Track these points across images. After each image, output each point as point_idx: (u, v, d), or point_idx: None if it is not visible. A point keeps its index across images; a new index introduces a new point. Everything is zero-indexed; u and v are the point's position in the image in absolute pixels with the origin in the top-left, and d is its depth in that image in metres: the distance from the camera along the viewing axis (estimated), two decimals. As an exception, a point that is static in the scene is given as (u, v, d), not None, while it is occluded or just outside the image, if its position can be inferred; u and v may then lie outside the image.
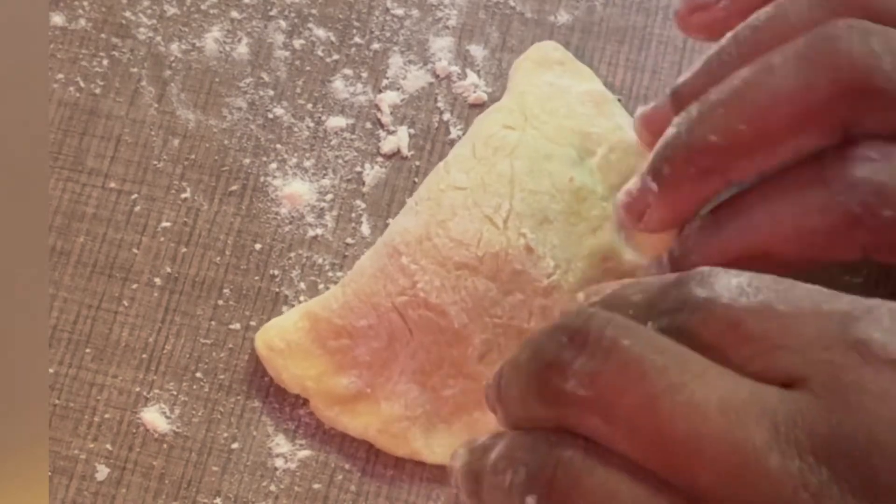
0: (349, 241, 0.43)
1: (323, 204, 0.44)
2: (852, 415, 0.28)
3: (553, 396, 0.31)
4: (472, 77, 0.45)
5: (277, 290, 0.43)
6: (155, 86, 0.46)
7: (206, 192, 0.44)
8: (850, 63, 0.34)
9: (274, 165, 0.44)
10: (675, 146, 0.37)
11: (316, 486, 0.40)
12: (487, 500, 0.33)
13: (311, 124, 0.45)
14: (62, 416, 0.41)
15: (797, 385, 0.29)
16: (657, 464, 0.29)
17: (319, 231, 0.43)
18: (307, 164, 0.44)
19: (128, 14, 0.47)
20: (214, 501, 0.40)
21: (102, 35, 0.47)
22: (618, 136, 0.42)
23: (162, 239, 0.44)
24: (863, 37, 0.34)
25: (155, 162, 0.45)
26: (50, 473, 0.41)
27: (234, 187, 0.44)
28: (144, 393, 0.42)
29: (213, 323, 0.42)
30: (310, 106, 0.45)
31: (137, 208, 0.44)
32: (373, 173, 0.44)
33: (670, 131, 0.37)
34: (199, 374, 0.42)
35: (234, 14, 0.47)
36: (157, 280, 0.43)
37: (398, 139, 0.44)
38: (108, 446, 0.41)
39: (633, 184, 0.39)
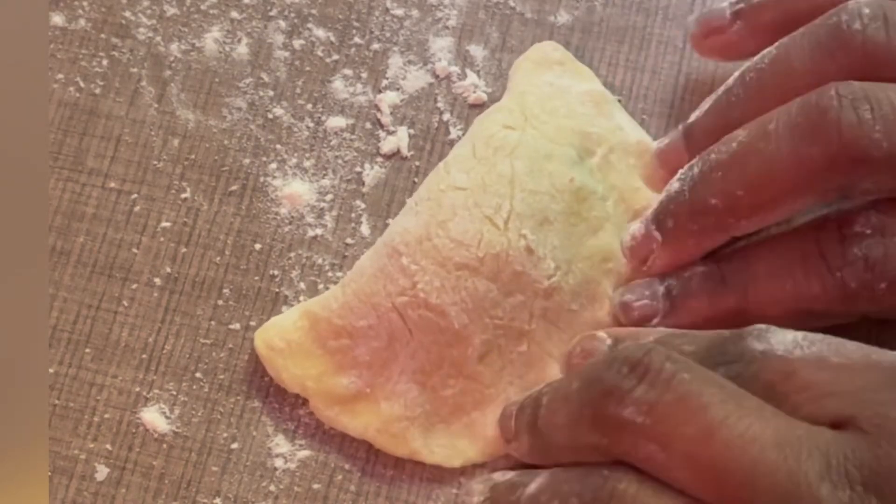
0: (349, 241, 0.43)
1: (323, 204, 0.44)
2: (893, 446, 0.30)
3: (610, 422, 0.33)
4: (472, 77, 0.45)
5: (277, 290, 0.43)
6: (155, 86, 0.46)
7: (206, 192, 0.44)
8: (839, 135, 0.35)
9: (274, 165, 0.44)
10: (679, 203, 0.39)
11: (316, 486, 0.40)
12: None
13: (311, 124, 0.45)
14: (62, 416, 0.41)
15: (846, 425, 0.31)
16: (712, 494, 0.31)
17: (319, 231, 0.43)
18: (307, 164, 0.44)
19: (128, 14, 0.47)
20: (214, 501, 0.40)
21: (102, 35, 0.47)
22: (618, 137, 0.42)
23: (162, 239, 0.44)
24: (853, 106, 0.35)
25: (155, 162, 0.45)
26: (50, 473, 0.41)
27: (234, 187, 0.44)
28: (144, 393, 0.42)
29: (212, 323, 0.42)
30: (310, 106, 0.45)
31: (137, 208, 0.44)
32: (373, 173, 0.44)
33: (674, 186, 0.39)
34: (198, 374, 0.42)
35: (234, 14, 0.47)
36: (157, 280, 0.43)
37: (398, 139, 0.44)
38: (108, 446, 0.41)
39: (637, 228, 0.40)
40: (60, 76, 0.46)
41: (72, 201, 0.44)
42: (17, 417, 0.34)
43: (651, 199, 0.41)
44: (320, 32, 0.46)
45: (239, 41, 0.46)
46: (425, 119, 0.45)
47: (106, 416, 0.41)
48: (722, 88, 0.40)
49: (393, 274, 0.40)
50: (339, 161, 0.44)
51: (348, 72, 0.45)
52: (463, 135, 0.44)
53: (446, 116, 0.45)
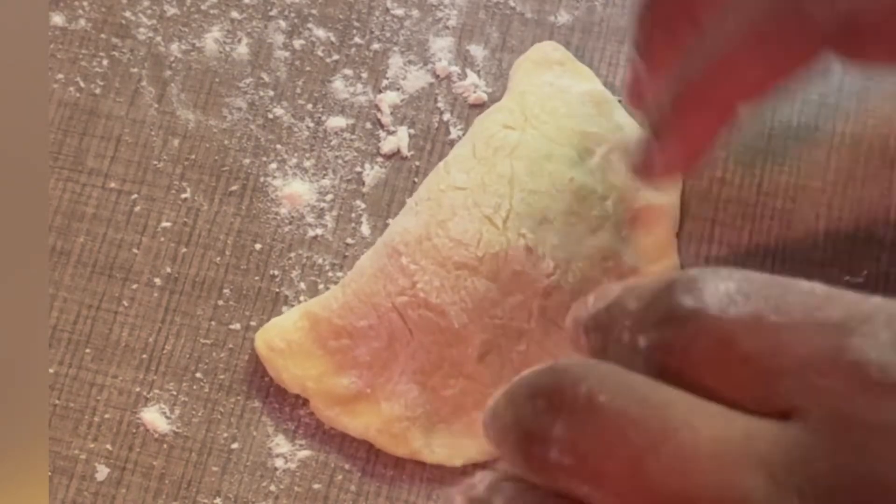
0: (349, 241, 0.43)
1: (323, 204, 0.44)
2: (854, 455, 0.26)
3: (539, 466, 0.30)
4: (472, 77, 0.45)
5: (277, 290, 0.43)
6: (155, 86, 0.46)
7: (206, 192, 0.44)
8: None
9: (274, 165, 0.44)
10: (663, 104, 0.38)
11: (316, 486, 0.40)
12: None
13: (311, 124, 0.45)
14: (62, 416, 0.41)
15: (795, 416, 0.27)
16: None
17: (319, 231, 0.43)
18: (307, 164, 0.44)
19: (128, 14, 0.47)
20: (214, 501, 0.40)
21: (102, 35, 0.47)
22: (618, 136, 0.42)
23: (162, 239, 0.44)
24: None
25: (155, 162, 0.45)
26: (50, 473, 0.41)
27: (234, 187, 0.44)
28: (144, 393, 0.42)
29: (213, 323, 0.42)
30: (310, 106, 0.45)
31: (137, 208, 0.44)
32: (373, 173, 0.44)
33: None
34: (199, 375, 0.42)
35: (234, 14, 0.47)
36: (157, 280, 0.43)
37: (398, 139, 0.44)
38: (108, 446, 0.41)
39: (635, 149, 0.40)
40: (60, 76, 0.46)
41: (72, 201, 0.44)
42: (17, 417, 0.34)
43: (651, 199, 0.41)
44: (320, 32, 0.46)
45: (239, 41, 0.46)
46: (425, 119, 0.45)
47: (106, 416, 0.41)
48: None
49: (393, 274, 0.40)
50: (340, 161, 0.44)
51: (348, 72, 0.45)
52: (463, 135, 0.43)
53: (446, 116, 0.45)
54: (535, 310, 0.39)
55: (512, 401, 0.31)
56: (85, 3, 0.47)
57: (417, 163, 0.44)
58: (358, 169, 0.44)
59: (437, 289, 0.39)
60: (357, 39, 0.46)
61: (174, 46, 0.46)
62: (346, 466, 0.40)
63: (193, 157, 0.45)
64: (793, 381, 0.28)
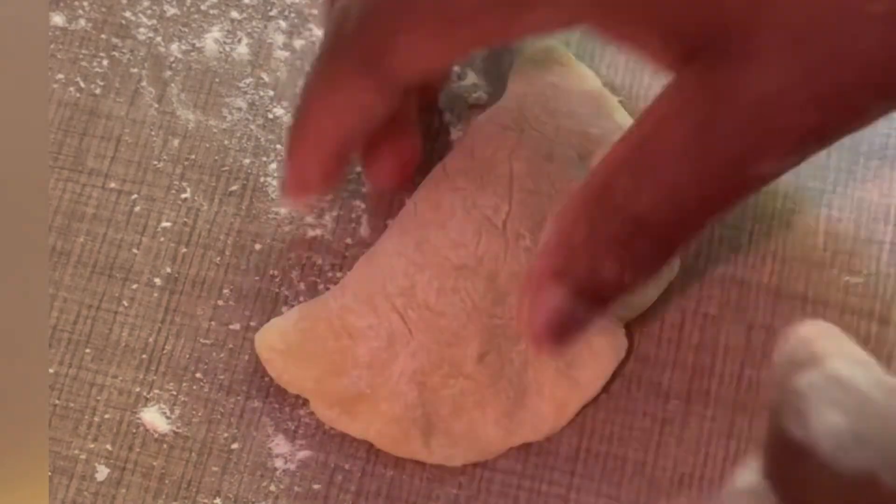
0: (349, 241, 0.43)
1: (323, 204, 0.44)
2: None
3: None
4: (471, 77, 0.45)
5: (277, 290, 0.43)
6: (155, 86, 0.46)
7: (206, 192, 0.44)
8: None
9: (274, 165, 0.44)
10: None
11: (316, 486, 0.40)
12: None
13: (311, 124, 0.45)
14: (62, 416, 0.41)
15: None
16: None
17: (319, 231, 0.43)
18: (307, 164, 0.44)
19: (128, 14, 0.47)
20: (214, 502, 0.40)
21: (102, 35, 0.47)
22: (618, 137, 0.42)
23: (162, 239, 0.44)
24: None
25: (155, 162, 0.45)
26: (50, 473, 0.41)
27: (234, 187, 0.44)
28: (144, 393, 0.42)
29: (213, 323, 0.42)
30: (310, 106, 0.45)
31: (137, 208, 0.44)
32: (373, 173, 0.44)
33: None
34: (199, 375, 0.42)
35: (234, 14, 0.47)
36: (157, 280, 0.43)
37: (398, 139, 0.44)
38: (108, 446, 0.41)
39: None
40: (60, 76, 0.46)
41: (72, 201, 0.44)
42: (17, 417, 0.34)
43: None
44: (321, 32, 0.46)
45: (239, 41, 0.46)
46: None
47: (106, 416, 0.41)
48: None
49: (393, 274, 0.40)
50: (340, 161, 0.44)
51: (348, 72, 0.45)
52: (463, 135, 0.43)
53: (446, 116, 0.45)
54: (535, 310, 0.39)
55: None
56: (85, 3, 0.47)
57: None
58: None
59: (436, 289, 0.39)
60: (357, 39, 0.46)
61: (174, 46, 0.46)
62: (346, 466, 0.40)
63: (193, 157, 0.45)
64: None
